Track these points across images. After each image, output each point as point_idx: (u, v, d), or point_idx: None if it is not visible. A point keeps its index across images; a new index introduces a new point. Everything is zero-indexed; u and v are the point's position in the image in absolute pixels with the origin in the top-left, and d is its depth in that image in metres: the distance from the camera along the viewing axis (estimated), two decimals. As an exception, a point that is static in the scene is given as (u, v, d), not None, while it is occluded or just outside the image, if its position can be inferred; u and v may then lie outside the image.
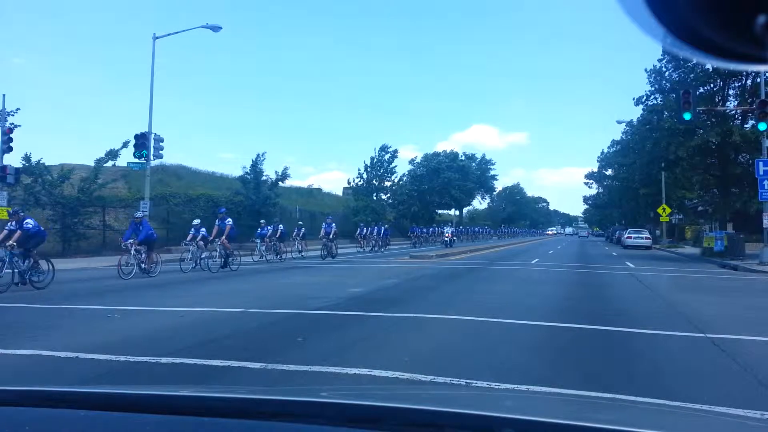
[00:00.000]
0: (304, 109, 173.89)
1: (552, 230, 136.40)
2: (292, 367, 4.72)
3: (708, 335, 6.32)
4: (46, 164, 23.77)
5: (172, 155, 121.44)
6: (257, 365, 4.76)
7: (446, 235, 37.88)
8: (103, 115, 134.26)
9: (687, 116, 18.22)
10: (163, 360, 4.99)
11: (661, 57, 26.15)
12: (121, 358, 5.07)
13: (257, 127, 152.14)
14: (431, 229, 47.07)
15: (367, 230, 31.84)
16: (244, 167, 33.31)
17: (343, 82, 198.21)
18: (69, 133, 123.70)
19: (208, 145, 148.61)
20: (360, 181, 53.15)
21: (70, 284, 11.88)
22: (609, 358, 5.38)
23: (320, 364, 4.83)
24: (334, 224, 23.49)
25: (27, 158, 22.81)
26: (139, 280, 12.94)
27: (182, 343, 5.76)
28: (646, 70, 27.21)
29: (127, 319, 7.53)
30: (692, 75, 25.17)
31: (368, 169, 53.50)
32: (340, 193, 62.19)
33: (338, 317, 7.51)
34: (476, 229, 66.03)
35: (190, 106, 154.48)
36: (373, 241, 30.92)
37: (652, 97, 27.44)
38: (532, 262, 21.09)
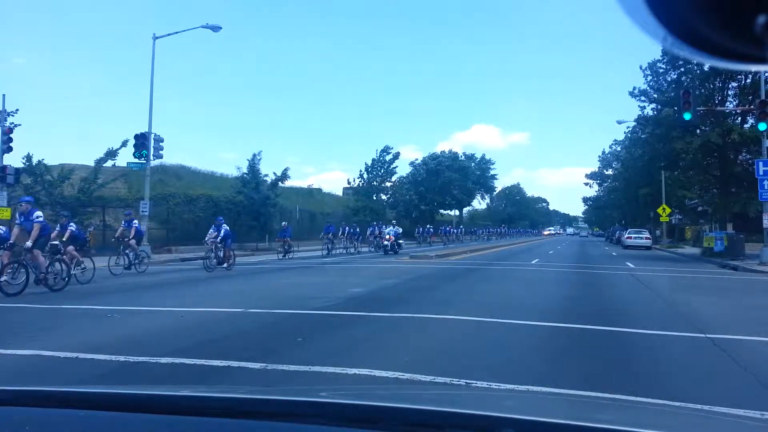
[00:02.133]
0: (304, 109, 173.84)
1: (550, 230, 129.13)
2: (292, 367, 4.72)
3: (708, 335, 6.32)
4: (47, 164, 23.81)
5: (172, 155, 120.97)
6: (257, 365, 4.76)
7: (386, 237, 26.98)
8: (103, 115, 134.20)
9: (687, 116, 18.18)
10: (163, 360, 4.98)
11: (660, 58, 26.14)
12: (121, 358, 5.07)
13: (257, 127, 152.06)
14: (370, 229, 32.31)
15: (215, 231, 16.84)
16: (238, 168, 32.87)
17: (343, 82, 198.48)
18: (69, 133, 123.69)
19: (208, 145, 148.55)
20: (360, 182, 53.30)
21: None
22: (609, 358, 5.38)
23: (320, 364, 4.83)
24: (72, 224, 12.88)
25: (29, 158, 22.89)
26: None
27: (182, 343, 5.76)
28: (640, 67, 27.23)
29: (126, 319, 7.53)
30: (691, 75, 25.15)
31: (369, 170, 53.62)
32: (340, 193, 62.34)
33: (338, 317, 7.51)
34: (447, 229, 51.00)
35: (190, 106, 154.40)
36: (214, 251, 16.43)
37: (650, 98, 27.40)
38: (532, 262, 21.09)
